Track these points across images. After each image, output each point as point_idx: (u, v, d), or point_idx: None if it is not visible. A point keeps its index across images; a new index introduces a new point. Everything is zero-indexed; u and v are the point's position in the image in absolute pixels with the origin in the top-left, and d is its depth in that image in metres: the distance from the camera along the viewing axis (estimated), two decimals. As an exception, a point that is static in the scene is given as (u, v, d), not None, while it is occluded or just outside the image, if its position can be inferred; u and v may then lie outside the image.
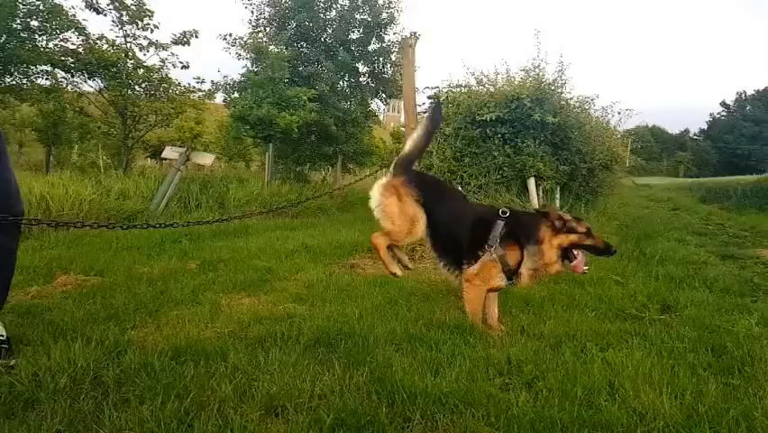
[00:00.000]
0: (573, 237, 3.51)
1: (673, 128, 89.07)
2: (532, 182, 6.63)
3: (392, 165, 3.97)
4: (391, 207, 3.70)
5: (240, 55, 13.37)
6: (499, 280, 3.54)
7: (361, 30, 13.88)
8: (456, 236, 3.69)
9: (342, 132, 13.79)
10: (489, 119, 6.44)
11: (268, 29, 14.50)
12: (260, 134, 12.04)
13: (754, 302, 4.41)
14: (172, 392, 2.34)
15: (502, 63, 7.25)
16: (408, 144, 4.04)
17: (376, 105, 15.71)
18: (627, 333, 3.36)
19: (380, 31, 13.96)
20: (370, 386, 2.52)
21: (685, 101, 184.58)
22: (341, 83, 14.39)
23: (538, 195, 6.75)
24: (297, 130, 11.52)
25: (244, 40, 13.52)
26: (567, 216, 3.57)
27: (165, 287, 4.46)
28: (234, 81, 13.00)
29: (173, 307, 3.90)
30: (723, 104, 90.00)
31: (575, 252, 3.51)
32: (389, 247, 3.90)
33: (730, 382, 2.59)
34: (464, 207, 3.95)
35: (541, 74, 6.96)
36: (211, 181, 11.06)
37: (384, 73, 14.34)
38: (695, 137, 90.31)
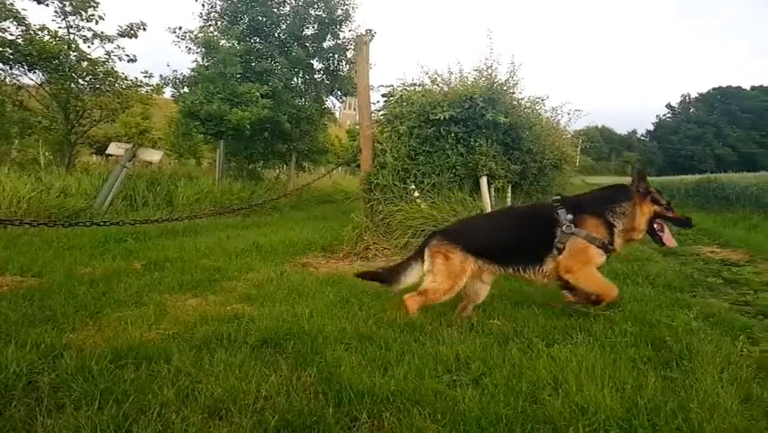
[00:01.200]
0: (657, 208, 3.72)
1: (621, 129, 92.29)
2: (484, 181, 6.71)
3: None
4: (438, 267, 3.73)
5: (190, 49, 13.04)
6: (597, 255, 3.66)
7: (316, 26, 13.75)
8: (512, 241, 3.80)
9: (297, 129, 13.61)
10: (442, 118, 6.46)
11: (219, 23, 14.16)
12: (210, 131, 11.77)
13: (694, 297, 4.60)
14: (110, 397, 2.25)
15: (456, 63, 7.38)
16: None
17: (331, 102, 15.66)
18: (573, 329, 3.42)
19: (336, 27, 13.87)
20: (317, 386, 2.50)
21: (633, 103, 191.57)
22: (295, 80, 14.21)
23: (490, 194, 6.85)
24: (249, 127, 11.31)
25: (195, 33, 13.17)
26: (652, 188, 3.76)
27: (108, 288, 4.32)
28: (184, 76, 12.65)
29: (115, 308, 3.78)
30: (668, 106, 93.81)
31: (657, 225, 3.75)
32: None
33: (669, 376, 2.67)
34: (508, 215, 4.18)
35: (493, 74, 7.06)
36: (159, 179, 10.73)
37: (339, 70, 14.23)
38: (642, 138, 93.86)
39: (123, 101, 12.50)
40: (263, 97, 11.52)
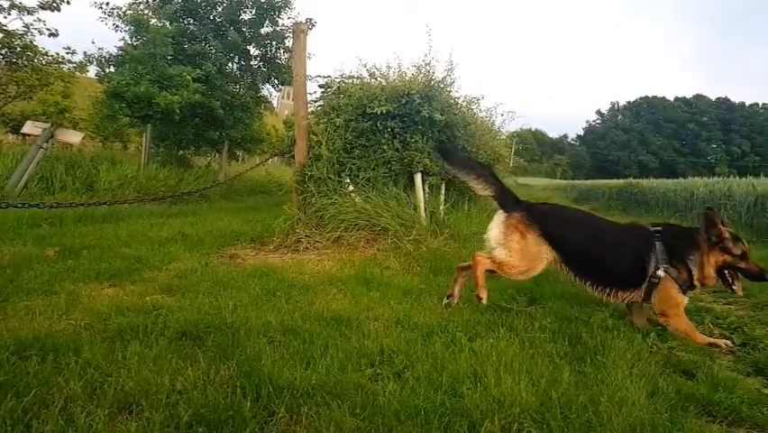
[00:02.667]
0: (727, 258, 3.53)
1: (554, 133, 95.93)
2: (418, 177, 6.77)
3: (498, 205, 3.95)
4: (513, 243, 3.74)
5: (118, 27, 12.35)
6: (684, 300, 3.59)
7: (254, 11, 13.36)
8: (602, 260, 3.71)
9: (230, 116, 13.20)
10: (379, 112, 6.44)
11: (151, 1, 13.52)
12: (137, 114, 11.21)
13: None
14: (11, 390, 2.12)
15: (394, 58, 7.35)
16: (486, 191, 3.99)
17: (267, 90, 15.31)
18: (495, 323, 3.50)
19: (274, 14, 13.52)
20: (236, 380, 2.44)
21: (566, 108, 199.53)
22: (230, 65, 13.77)
23: (424, 190, 6.92)
24: (179, 111, 10.88)
25: (123, 10, 12.52)
26: (726, 234, 3.55)
27: (16, 275, 4.07)
28: (111, 55, 11.98)
29: (23, 297, 3.57)
30: (598, 112, 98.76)
31: (729, 274, 3.56)
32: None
33: (583, 370, 2.76)
34: (604, 228, 3.96)
35: (431, 71, 7.09)
36: (79, 162, 10.11)
37: (277, 58, 13.91)
38: (572, 142, 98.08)
39: (42, 77, 11.69)
40: (195, 81, 11.09)
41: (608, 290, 3.71)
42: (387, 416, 2.17)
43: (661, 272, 3.55)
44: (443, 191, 7.47)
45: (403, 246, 5.79)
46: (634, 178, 23.48)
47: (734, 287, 3.58)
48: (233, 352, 2.75)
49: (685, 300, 3.59)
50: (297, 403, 2.25)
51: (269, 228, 6.66)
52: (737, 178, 13.17)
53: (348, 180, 6.56)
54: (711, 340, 3.47)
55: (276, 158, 16.54)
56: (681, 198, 14.43)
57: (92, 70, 12.37)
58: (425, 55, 7.19)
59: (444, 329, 3.32)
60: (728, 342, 3.50)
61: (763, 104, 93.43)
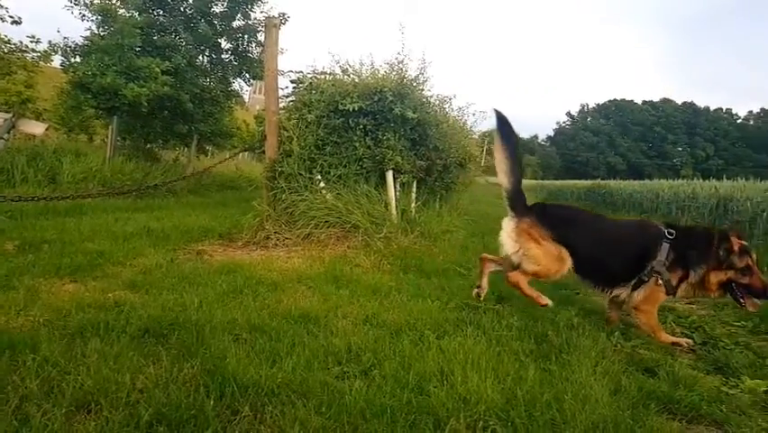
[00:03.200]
0: (730, 273, 3.45)
1: (525, 133, 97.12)
2: (390, 175, 6.75)
3: (508, 207, 3.93)
4: (533, 251, 3.73)
5: (84, 16, 11.94)
6: (663, 299, 3.63)
7: (226, 4, 13.08)
8: (606, 261, 3.71)
9: (200, 110, 12.93)
10: (351, 109, 6.40)
11: (119, -10, 13.15)
12: (102, 105, 10.88)
13: (577, 295, 4.87)
14: (-39, 390, 2.03)
15: (368, 55, 7.32)
16: (504, 179, 3.92)
17: (239, 84, 15.06)
18: (463, 322, 3.53)
19: (247, 7, 13.27)
20: (200, 379, 2.39)
21: (537, 109, 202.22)
22: (200, 58, 13.48)
23: (396, 188, 6.91)
24: (146, 104, 10.61)
25: (90, -1, 12.15)
26: (735, 247, 3.45)
27: (-28, 270, 3.92)
28: (77, 44, 11.57)
29: (-21, 292, 3.42)
30: (568, 114, 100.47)
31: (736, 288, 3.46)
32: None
33: (548, 368, 2.80)
34: (610, 229, 3.95)
35: (404, 69, 7.08)
36: (42, 153, 9.81)
37: (249, 52, 13.67)
38: (543, 143, 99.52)
39: (3, 66, 11.28)
40: (164, 74, 10.82)
41: (603, 286, 3.76)
42: (352, 414, 2.16)
43: (657, 274, 3.54)
44: (414, 189, 7.46)
45: (373, 244, 5.78)
46: (602, 179, 23.94)
47: (741, 300, 3.48)
48: (198, 350, 2.71)
49: (663, 299, 3.63)
50: (261, 402, 2.23)
51: (237, 224, 6.57)
52: (701, 180, 13.52)
53: (319, 177, 6.51)
54: (674, 339, 3.53)
55: (246, 153, 16.32)
56: (647, 199, 14.77)
57: (57, 60, 11.98)
58: (398, 53, 7.18)
59: (413, 327, 3.33)
60: (690, 341, 3.57)
61: (727, 109, 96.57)
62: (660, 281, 3.53)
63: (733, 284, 3.47)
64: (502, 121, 4.00)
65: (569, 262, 3.71)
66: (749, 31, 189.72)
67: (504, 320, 3.61)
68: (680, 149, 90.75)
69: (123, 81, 10.46)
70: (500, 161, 3.93)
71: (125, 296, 3.65)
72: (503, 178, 3.93)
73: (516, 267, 3.80)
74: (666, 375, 2.84)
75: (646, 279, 3.56)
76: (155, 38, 12.14)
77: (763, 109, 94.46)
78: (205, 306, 3.48)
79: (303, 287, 4.26)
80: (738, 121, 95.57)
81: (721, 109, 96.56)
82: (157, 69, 10.69)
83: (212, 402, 2.17)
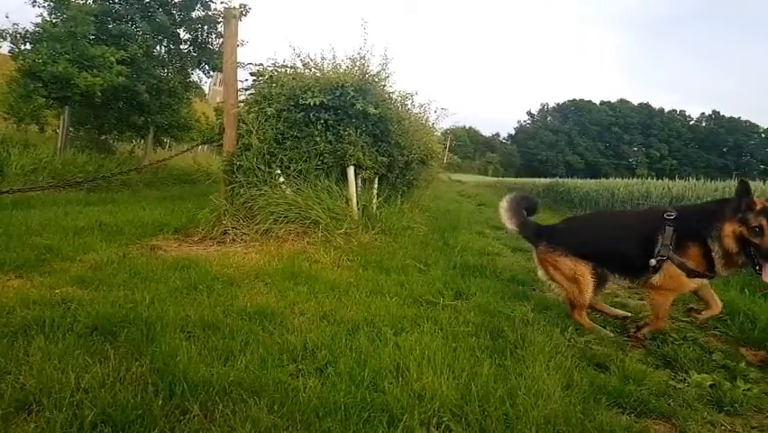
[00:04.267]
0: (743, 229, 3.22)
1: (487, 131, 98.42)
2: (351, 171, 6.71)
3: (527, 241, 4.23)
4: (555, 276, 3.86)
5: (35, 2, 11.46)
6: (688, 285, 3.48)
7: (184, -7, 12.84)
8: (618, 253, 3.70)
9: (157, 101, 12.57)
10: (312, 104, 6.32)
11: (73, -24, 12.66)
12: (54, 95, 10.47)
13: (533, 290, 4.95)
14: None
15: (329, 49, 7.20)
16: (509, 221, 4.24)
17: (198, 76, 14.73)
18: (421, 318, 3.53)
19: (206, -3, 13.05)
20: (148, 377, 2.33)
21: (499, 107, 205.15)
22: (158, 48, 13.12)
23: (357, 184, 6.87)
24: (100, 94, 10.26)
25: (42, -16, 11.64)
26: (758, 205, 3.21)
27: None
28: (27, 31, 11.11)
29: None
30: (529, 113, 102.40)
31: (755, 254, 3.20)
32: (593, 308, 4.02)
33: (503, 363, 2.83)
34: (618, 221, 4.07)
35: (366, 65, 7.03)
36: (-12, 144, 9.40)
37: (209, 43, 13.39)
38: (504, 141, 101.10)
39: (-54, 52, 10.76)
40: (119, 63, 10.49)
41: (632, 278, 3.77)
42: (305, 413, 2.15)
43: (662, 258, 3.46)
44: (375, 185, 7.44)
45: (333, 240, 5.74)
46: (560, 177, 24.46)
47: (758, 268, 3.22)
48: (148, 348, 2.64)
49: (689, 285, 3.52)
50: (212, 401, 2.19)
51: (194, 219, 6.41)
52: (655, 180, 13.95)
53: (279, 172, 6.41)
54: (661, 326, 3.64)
55: (205, 146, 15.99)
56: (603, 197, 15.13)
57: (5, 47, 11.46)
58: (360, 48, 7.13)
59: (371, 324, 3.32)
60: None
61: (681, 110, 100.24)
62: (673, 265, 3.44)
63: (751, 249, 3.21)
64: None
65: (588, 276, 3.74)
66: (702, 35, 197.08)
67: (461, 316, 3.63)
68: (635, 149, 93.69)
69: (75, 70, 10.10)
70: (503, 211, 4.29)
71: (73, 292, 3.53)
72: (506, 222, 4.27)
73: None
74: (617, 370, 2.91)
75: (658, 265, 3.49)
76: (110, 26, 11.77)
77: (714, 111, 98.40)
78: (158, 303, 3.39)
79: (260, 283, 4.20)
80: (691, 122, 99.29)
81: (675, 111, 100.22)
82: (112, 59, 10.35)
83: (160, 402, 2.11)
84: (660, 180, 13.58)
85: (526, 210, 4.40)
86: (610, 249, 3.75)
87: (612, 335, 3.70)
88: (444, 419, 2.18)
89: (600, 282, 3.88)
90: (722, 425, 2.45)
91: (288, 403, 2.19)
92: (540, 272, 4.04)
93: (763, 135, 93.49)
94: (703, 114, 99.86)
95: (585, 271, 3.73)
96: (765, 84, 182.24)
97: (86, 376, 2.26)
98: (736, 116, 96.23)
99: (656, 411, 2.52)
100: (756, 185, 9.08)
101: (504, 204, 4.31)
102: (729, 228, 3.27)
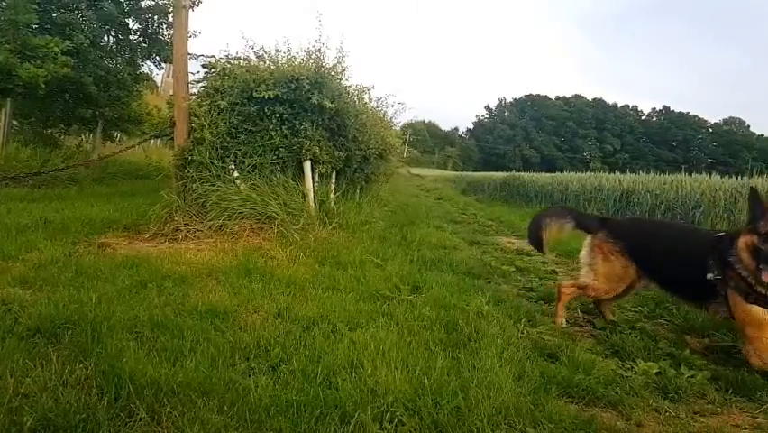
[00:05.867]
0: (753, 238, 2.98)
1: (446, 125, 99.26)
2: (308, 166, 6.64)
3: (584, 230, 3.99)
4: (597, 266, 3.71)
5: (-28, -12, 10.88)
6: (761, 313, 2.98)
7: (132, -19, 12.36)
8: (678, 273, 3.47)
9: (105, 93, 12.09)
10: (267, 97, 6.21)
11: (13, -38, 12.03)
12: (-6, 87, 9.98)
13: (489, 283, 5.02)
14: None
15: (284, 41, 7.05)
16: (559, 232, 4.10)
17: (148, 68, 14.27)
18: (377, 313, 3.53)
19: (156, -15, 12.61)
20: (93, 380, 2.26)
21: (459, 101, 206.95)
22: (105, 38, 12.63)
23: (314, 179, 6.81)
24: (44, 86, 9.80)
25: (-21, -29, 11.03)
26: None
27: None
28: (-37, 19, 10.54)
29: None
30: (487, 107, 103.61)
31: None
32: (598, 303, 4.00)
33: (456, 357, 2.85)
34: (681, 238, 3.71)
35: (321, 58, 6.96)
36: None
37: (159, 34, 12.97)
38: (463, 135, 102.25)
39: None
40: (64, 54, 10.04)
41: (691, 299, 3.56)
42: (257, 411, 2.12)
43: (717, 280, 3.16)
44: (333, 180, 7.40)
45: (290, 236, 5.67)
46: (517, 171, 24.84)
47: (759, 268, 2.94)
48: (93, 349, 2.56)
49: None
50: (159, 403, 2.13)
51: (145, 215, 6.22)
52: (608, 173, 14.35)
53: (233, 166, 6.29)
54: None
55: (158, 140, 15.55)
56: (558, 190, 15.50)
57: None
58: (316, 41, 7.05)
59: (326, 320, 3.30)
60: None
61: (633, 106, 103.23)
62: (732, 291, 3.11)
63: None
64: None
65: (623, 285, 3.67)
66: (653, 32, 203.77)
67: (417, 310, 3.64)
68: (590, 143, 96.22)
69: (17, 61, 9.59)
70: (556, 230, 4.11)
71: (15, 293, 3.39)
72: (568, 228, 4.10)
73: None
74: (567, 360, 2.97)
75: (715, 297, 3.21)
76: (54, 15, 11.23)
77: (664, 107, 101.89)
78: (104, 302, 3.29)
79: (213, 281, 4.12)
80: (643, 117, 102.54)
81: (628, 106, 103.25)
82: (56, 49, 9.87)
83: (105, 405, 2.06)
84: (611, 174, 13.98)
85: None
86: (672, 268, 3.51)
87: (566, 325, 3.77)
88: (398, 413, 2.18)
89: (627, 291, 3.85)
90: (666, 411, 2.53)
91: (239, 403, 2.16)
92: (583, 252, 3.91)
93: (710, 130, 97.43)
94: (654, 109, 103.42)
95: (630, 278, 3.65)
96: (712, 80, 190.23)
97: (27, 381, 2.19)
98: (685, 111, 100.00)
99: (604, 400, 2.58)
100: (703, 178, 9.48)
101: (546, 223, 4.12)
102: (743, 240, 3.06)
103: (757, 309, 2.98)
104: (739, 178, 8.24)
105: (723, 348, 3.50)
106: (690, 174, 10.69)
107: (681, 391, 2.74)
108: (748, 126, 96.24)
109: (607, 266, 3.69)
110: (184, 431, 1.96)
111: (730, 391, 2.80)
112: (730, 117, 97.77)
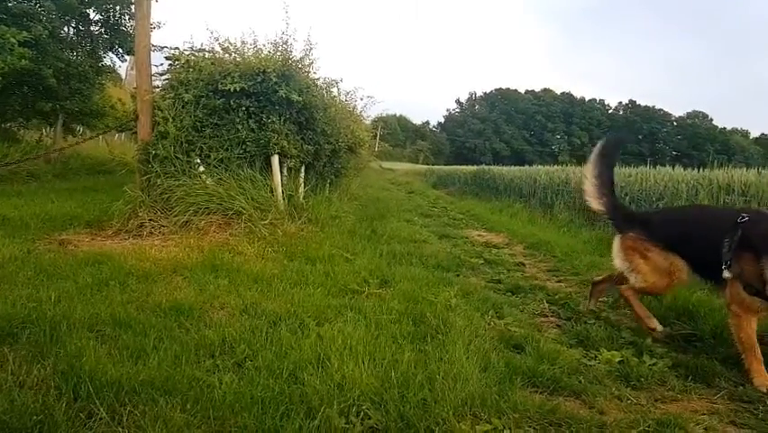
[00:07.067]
0: None
1: (417, 119, 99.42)
2: (276, 160, 6.56)
3: (612, 224, 3.82)
4: (640, 267, 3.51)
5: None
6: (757, 305, 2.95)
7: (93, -30, 11.96)
8: (700, 254, 3.31)
9: (66, 86, 11.71)
10: (233, 90, 6.10)
11: (-34, -51, 11.53)
12: (-53, 79, 9.56)
13: (457, 276, 5.05)
14: None
15: (250, 33, 6.91)
16: (594, 202, 3.83)
17: (111, 60, 13.87)
18: (346, 307, 3.52)
19: (117, -25, 12.24)
20: (51, 381, 2.21)
21: (429, 95, 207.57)
22: (66, 29, 12.23)
23: (282, 173, 6.73)
24: (1, 78, 9.45)
25: (-70, -42, 10.54)
26: None
27: None
28: None
29: None
30: (457, 101, 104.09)
31: None
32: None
33: (423, 349, 2.86)
34: (706, 219, 3.54)
35: (289, 50, 6.86)
36: None
37: (122, 25, 12.62)
38: (434, 129, 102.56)
39: None
40: (21, 45, 9.68)
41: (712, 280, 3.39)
42: (221, 408, 2.10)
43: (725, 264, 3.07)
44: (302, 174, 7.34)
45: (258, 231, 5.60)
46: (487, 165, 25.03)
47: None
48: (52, 349, 2.50)
49: (758, 306, 2.97)
50: (120, 402, 2.10)
51: (108, 211, 6.06)
52: (577, 166, 14.53)
53: (198, 161, 6.17)
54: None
55: (123, 134, 15.17)
56: (526, 183, 15.67)
57: None
58: (283, 33, 6.94)
59: (293, 315, 3.28)
60: None
61: (600, 99, 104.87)
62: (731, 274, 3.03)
63: None
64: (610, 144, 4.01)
65: (680, 273, 3.43)
66: (622, 27, 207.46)
67: (385, 304, 3.64)
68: (558, 136, 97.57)
69: (-29, 52, 9.23)
70: (589, 182, 3.87)
71: (-33, 294, 3.24)
72: (597, 205, 3.85)
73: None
74: (532, 351, 3.01)
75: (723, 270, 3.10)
76: (10, 4, 10.81)
77: (631, 100, 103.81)
78: (65, 301, 3.20)
79: (178, 277, 4.05)
80: (609, 111, 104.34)
81: (595, 100, 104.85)
82: (13, 40, 9.52)
83: (63, 406, 2.00)
84: (578, 167, 14.16)
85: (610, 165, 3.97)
86: (696, 248, 3.38)
87: (662, 328, 3.47)
88: (364, 406, 2.18)
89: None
90: (628, 399, 2.59)
91: (203, 400, 2.14)
92: (617, 260, 3.70)
93: (675, 123, 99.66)
94: (621, 102, 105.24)
95: (682, 266, 3.42)
96: (677, 74, 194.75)
97: (-19, 384, 2.10)
98: (651, 105, 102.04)
99: (568, 388, 2.63)
100: (666, 171, 9.70)
101: (590, 171, 3.87)
102: None
103: (749, 297, 2.99)
104: (701, 170, 8.43)
105: (684, 336, 3.60)
106: (655, 166, 10.92)
107: (642, 379, 2.81)
108: (711, 120, 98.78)
109: (650, 265, 3.51)
110: (145, 430, 1.92)
111: (690, 379, 2.88)
112: (694, 111, 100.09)
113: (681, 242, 3.42)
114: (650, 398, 2.64)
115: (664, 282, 3.49)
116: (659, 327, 3.44)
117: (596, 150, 3.96)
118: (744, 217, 3.04)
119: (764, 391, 2.77)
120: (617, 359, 3.06)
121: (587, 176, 3.92)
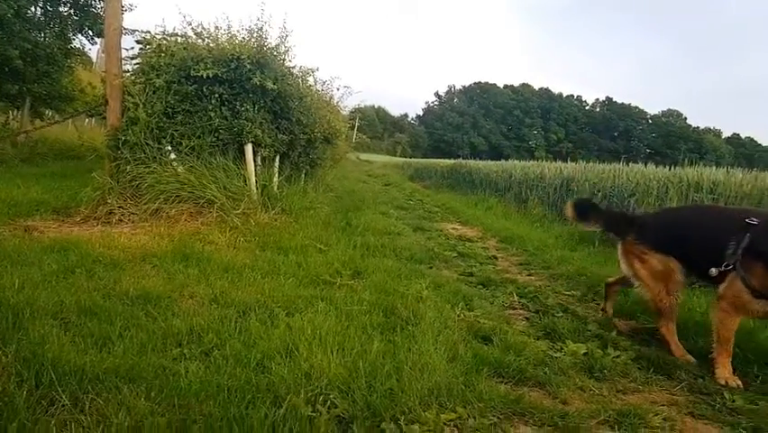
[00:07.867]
0: None
1: (396, 111, 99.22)
2: (249, 149, 6.48)
3: (613, 234, 3.94)
4: (639, 272, 3.51)
5: None
6: (755, 307, 2.96)
7: (61, -53, 11.57)
8: (699, 252, 3.27)
9: (33, 68, 11.34)
10: (205, 76, 5.99)
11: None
12: None
13: (430, 268, 5.08)
14: None
15: (224, 18, 6.76)
16: (586, 224, 4.07)
17: (80, 42, 13.47)
18: (316, 298, 3.51)
19: (86, -47, 11.85)
20: (12, 368, 2.17)
21: (408, 87, 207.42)
22: (33, 9, 11.82)
23: (256, 163, 6.66)
24: (-36, 59, 9.14)
25: None
26: None
27: None
28: None
29: None
30: (436, 94, 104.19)
31: None
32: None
33: (393, 340, 2.88)
34: (707, 218, 3.49)
35: (264, 37, 6.75)
36: None
37: (92, 6, 12.26)
38: (412, 121, 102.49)
39: None
40: (-14, 26, 9.36)
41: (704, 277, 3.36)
42: (186, 397, 2.09)
43: (727, 265, 3.08)
44: (276, 164, 7.26)
45: (230, 220, 5.55)
46: (465, 158, 25.13)
47: None
48: (14, 336, 2.46)
49: (755, 308, 3.00)
50: (83, 389, 2.07)
51: (76, 198, 5.93)
52: (552, 162, 14.69)
53: (169, 148, 6.06)
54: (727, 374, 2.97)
55: (93, 119, 14.80)
56: (502, 178, 15.79)
57: None
58: (258, 19, 6.83)
59: (263, 305, 3.27)
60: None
61: (577, 96, 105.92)
62: (738, 275, 3.02)
63: None
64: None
65: (677, 276, 3.39)
66: (600, 24, 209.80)
67: (357, 295, 3.65)
68: (535, 132, 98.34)
69: (-68, 32, 8.89)
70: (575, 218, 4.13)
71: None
72: (596, 227, 4.16)
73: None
74: (499, 342, 3.05)
75: (722, 269, 3.11)
76: (-26, -18, 10.44)
77: (607, 97, 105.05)
78: (28, 288, 3.14)
79: (147, 265, 3.99)
80: (587, 108, 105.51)
81: (573, 96, 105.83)
82: (-24, 20, 9.20)
83: (24, 393, 1.98)
84: (553, 163, 14.32)
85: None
86: (694, 247, 3.36)
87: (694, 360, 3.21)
88: (331, 396, 2.19)
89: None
90: (591, 390, 2.65)
91: (168, 388, 2.12)
92: (623, 266, 3.69)
93: (650, 121, 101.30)
94: (597, 99, 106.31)
95: (676, 268, 3.38)
96: (653, 73, 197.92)
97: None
98: (627, 103, 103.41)
99: (533, 379, 2.67)
100: (638, 168, 9.88)
101: (572, 215, 4.14)
102: None
103: (749, 297, 2.98)
104: (672, 168, 8.60)
105: (648, 330, 3.68)
106: (629, 164, 11.10)
107: (606, 371, 2.87)
108: (685, 118, 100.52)
109: (647, 269, 3.48)
110: (108, 417, 1.90)
111: (652, 371, 2.96)
112: (668, 109, 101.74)
113: (678, 244, 3.40)
114: (612, 389, 2.71)
115: (664, 288, 3.39)
116: (693, 360, 3.20)
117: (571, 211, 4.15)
118: (753, 220, 3.04)
119: (723, 383, 2.87)
120: (583, 351, 3.12)
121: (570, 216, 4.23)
